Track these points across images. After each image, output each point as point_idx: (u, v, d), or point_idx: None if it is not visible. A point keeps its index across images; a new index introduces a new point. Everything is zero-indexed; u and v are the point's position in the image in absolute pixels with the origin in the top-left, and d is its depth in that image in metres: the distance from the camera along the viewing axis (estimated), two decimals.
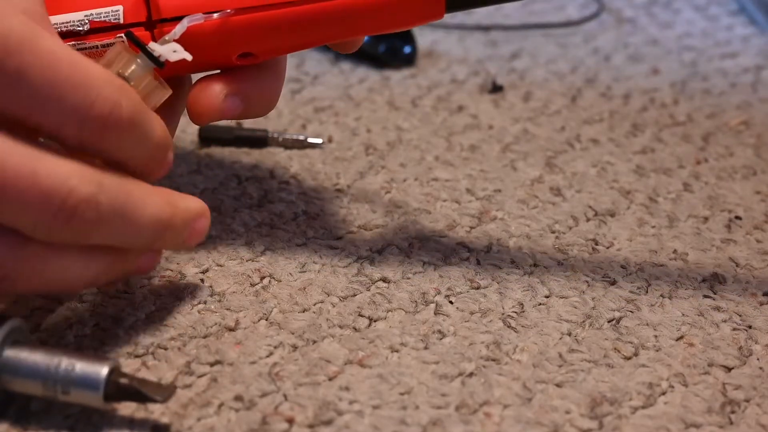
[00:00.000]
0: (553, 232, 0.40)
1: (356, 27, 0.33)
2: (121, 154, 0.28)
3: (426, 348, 0.33)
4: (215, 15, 0.32)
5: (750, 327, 0.35)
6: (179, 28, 0.31)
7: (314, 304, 0.35)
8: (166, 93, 0.31)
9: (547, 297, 0.36)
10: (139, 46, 0.30)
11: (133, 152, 0.28)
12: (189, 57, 0.31)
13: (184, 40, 0.31)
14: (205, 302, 0.34)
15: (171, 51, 0.31)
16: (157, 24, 0.32)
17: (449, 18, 0.69)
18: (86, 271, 0.28)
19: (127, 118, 0.27)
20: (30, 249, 0.26)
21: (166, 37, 0.31)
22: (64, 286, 0.28)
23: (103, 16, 0.32)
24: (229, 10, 0.32)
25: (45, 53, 0.25)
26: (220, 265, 0.37)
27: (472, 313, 0.35)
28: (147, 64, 0.30)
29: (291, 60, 0.46)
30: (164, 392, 0.27)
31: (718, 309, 0.36)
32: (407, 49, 0.59)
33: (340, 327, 0.33)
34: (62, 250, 0.27)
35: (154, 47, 0.31)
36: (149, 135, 0.28)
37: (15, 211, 0.25)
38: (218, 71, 0.34)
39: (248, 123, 0.49)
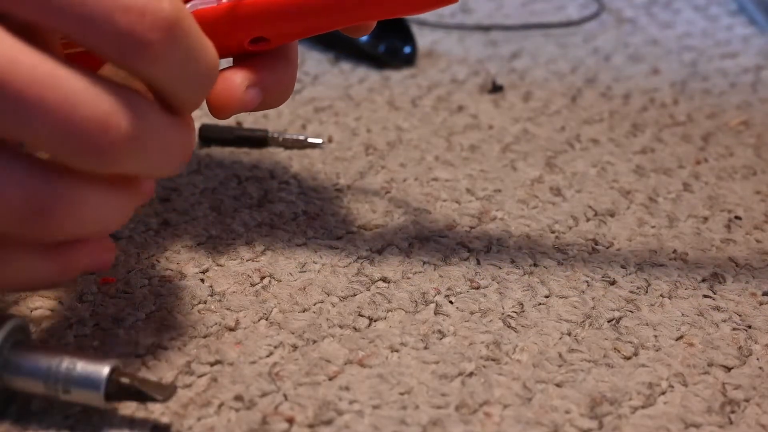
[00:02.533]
0: (553, 232, 0.41)
1: (372, 10, 0.32)
2: (159, 77, 0.25)
3: (426, 348, 0.33)
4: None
5: (750, 327, 0.35)
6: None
7: (314, 304, 0.35)
8: None
9: (547, 297, 0.36)
10: None
11: (176, 75, 0.25)
12: None
13: None
14: (205, 302, 0.34)
15: None
16: None
17: (449, 18, 0.69)
18: (118, 207, 0.26)
19: (170, 22, 0.23)
20: (67, 180, 0.24)
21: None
22: (99, 226, 0.26)
23: None
24: None
25: None
26: (220, 265, 0.37)
27: (472, 313, 0.35)
28: None
29: None
30: (165, 392, 0.27)
31: (717, 309, 0.36)
32: (407, 49, 0.59)
33: (340, 327, 0.33)
34: (97, 184, 0.25)
35: None
36: (198, 54, 0.25)
37: (29, 120, 0.23)
38: (230, 65, 0.33)
39: (248, 123, 0.49)
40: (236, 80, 0.32)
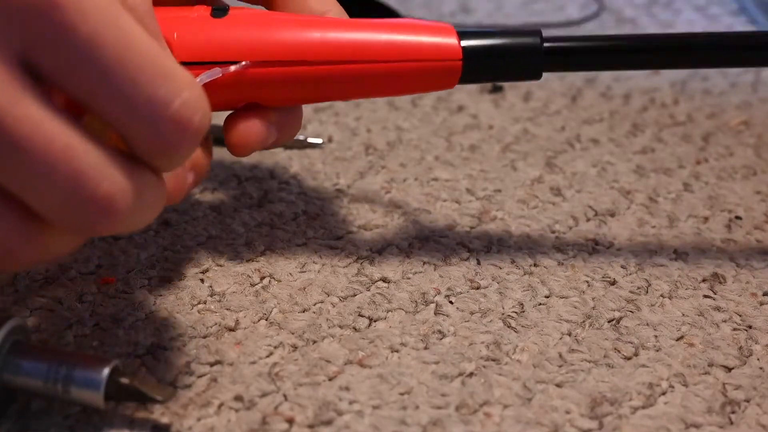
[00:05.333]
0: (553, 232, 0.41)
1: (367, 90, 0.34)
2: (168, 165, 0.26)
3: (426, 348, 0.33)
4: (232, 68, 0.31)
5: (750, 327, 0.35)
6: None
7: (314, 304, 0.35)
8: None
9: (547, 297, 0.36)
10: None
11: (179, 162, 0.26)
12: None
13: None
14: (205, 302, 0.34)
15: None
16: None
17: (449, 18, 0.69)
18: (69, 245, 0.26)
19: (201, 131, 0.24)
20: (36, 227, 0.24)
21: None
22: (50, 259, 0.26)
23: None
24: (245, 62, 0.32)
25: (124, 28, 0.23)
26: (220, 265, 0.37)
27: (472, 313, 0.35)
28: None
29: None
30: (164, 392, 0.27)
31: (718, 309, 0.36)
32: None
33: (340, 327, 0.33)
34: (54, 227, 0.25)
35: None
36: (193, 151, 0.26)
37: (35, 184, 0.23)
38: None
39: None
40: (255, 122, 0.33)
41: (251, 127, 0.33)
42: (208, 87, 0.31)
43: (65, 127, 0.23)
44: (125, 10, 0.23)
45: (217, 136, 0.47)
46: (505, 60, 0.34)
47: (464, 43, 0.33)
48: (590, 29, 0.68)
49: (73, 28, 0.22)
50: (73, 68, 0.23)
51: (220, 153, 0.46)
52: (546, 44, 0.34)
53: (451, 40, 0.33)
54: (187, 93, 0.24)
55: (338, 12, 0.34)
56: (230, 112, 0.34)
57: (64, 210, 0.24)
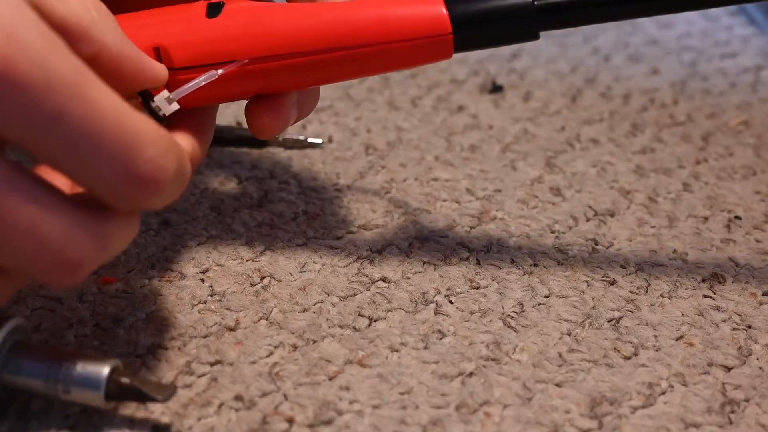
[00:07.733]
0: (553, 232, 0.41)
1: (368, 69, 0.34)
2: (149, 207, 0.27)
3: (426, 348, 0.33)
4: (226, 68, 0.32)
5: (750, 327, 0.35)
6: (193, 84, 0.31)
7: (314, 304, 0.35)
8: None
9: (547, 297, 0.36)
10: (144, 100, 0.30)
11: (162, 204, 0.27)
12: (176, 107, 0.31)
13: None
14: (205, 302, 0.34)
15: (168, 104, 0.31)
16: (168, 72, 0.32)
17: None
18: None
19: (171, 181, 0.25)
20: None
21: (172, 95, 0.31)
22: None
23: None
24: (242, 61, 0.32)
25: (89, 99, 0.23)
26: (220, 265, 0.37)
27: (472, 313, 0.35)
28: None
29: None
30: (165, 392, 0.27)
31: (717, 309, 0.36)
32: None
33: (340, 327, 0.33)
34: None
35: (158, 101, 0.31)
36: (182, 188, 0.27)
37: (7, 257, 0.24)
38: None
39: None
40: (277, 105, 0.34)
41: (273, 110, 0.34)
42: (208, 86, 0.32)
43: (32, 195, 0.24)
44: (92, 75, 0.23)
45: (223, 137, 0.47)
46: (498, 23, 0.33)
47: (453, 11, 0.33)
48: (590, 29, 0.68)
49: (38, 106, 0.22)
50: (37, 141, 0.23)
51: (221, 153, 0.46)
52: (538, 2, 0.33)
53: (439, 10, 0.33)
54: (151, 150, 0.24)
55: None
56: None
57: (34, 274, 0.24)
